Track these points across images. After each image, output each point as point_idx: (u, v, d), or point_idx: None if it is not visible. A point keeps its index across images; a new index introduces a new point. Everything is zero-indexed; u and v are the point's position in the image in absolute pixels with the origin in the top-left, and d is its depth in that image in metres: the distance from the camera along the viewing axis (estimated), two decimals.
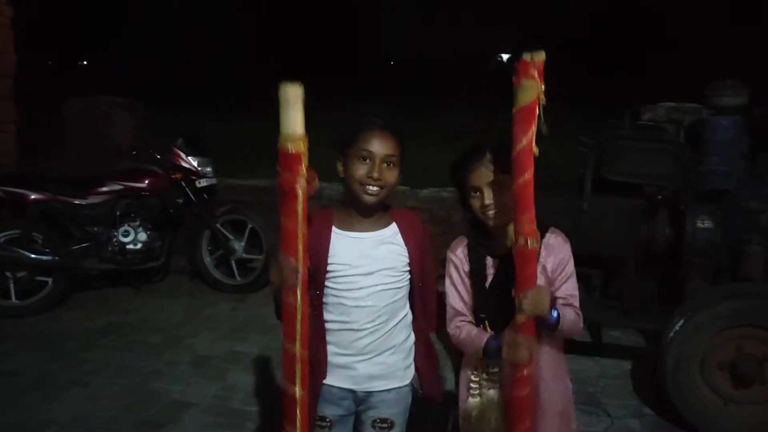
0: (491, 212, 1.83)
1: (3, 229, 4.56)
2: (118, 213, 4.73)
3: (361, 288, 1.88)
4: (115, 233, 4.71)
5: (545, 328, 1.76)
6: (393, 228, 1.93)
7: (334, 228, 1.91)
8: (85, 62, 27.86)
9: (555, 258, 1.86)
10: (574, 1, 26.40)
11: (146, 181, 4.81)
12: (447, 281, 1.94)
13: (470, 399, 1.91)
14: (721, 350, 3.16)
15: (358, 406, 1.97)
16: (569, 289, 1.86)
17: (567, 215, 3.47)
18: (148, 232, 4.78)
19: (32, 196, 4.57)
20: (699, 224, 3.37)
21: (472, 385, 1.91)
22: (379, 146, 1.82)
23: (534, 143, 1.59)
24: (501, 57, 36.30)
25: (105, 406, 3.37)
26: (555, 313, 1.76)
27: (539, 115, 1.59)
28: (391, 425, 1.95)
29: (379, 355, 1.92)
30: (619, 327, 4.17)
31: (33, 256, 4.50)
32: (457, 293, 1.92)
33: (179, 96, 11.25)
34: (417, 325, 1.99)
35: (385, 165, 1.83)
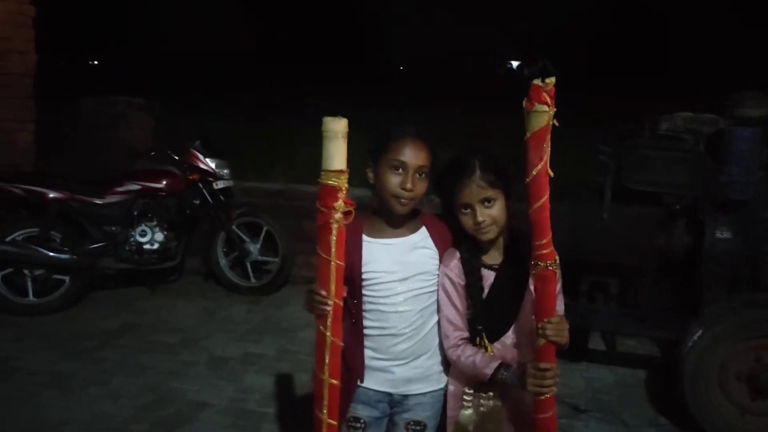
0: (485, 229, 1.82)
1: (22, 227, 4.60)
2: (135, 213, 4.76)
3: (397, 294, 1.89)
4: (132, 233, 4.74)
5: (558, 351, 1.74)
6: (423, 232, 1.93)
7: (364, 236, 1.91)
8: (96, 62, 28.00)
9: None
10: (588, 6, 26.37)
11: (164, 182, 4.84)
12: (442, 296, 1.91)
13: (464, 411, 1.91)
14: (740, 361, 3.16)
15: (392, 408, 1.98)
16: (561, 307, 1.83)
17: (586, 223, 3.49)
18: (165, 233, 4.81)
19: (51, 195, 4.61)
20: (718, 234, 3.37)
21: (465, 397, 1.91)
22: (412, 156, 1.82)
23: (548, 167, 1.60)
24: (510, 64, 36.31)
25: (122, 405, 3.39)
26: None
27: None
28: (424, 428, 1.96)
29: (416, 359, 1.93)
30: (635, 336, 4.16)
31: (51, 254, 4.54)
32: (453, 308, 1.90)
33: (193, 97, 11.30)
34: None
35: (418, 176, 1.83)
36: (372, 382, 1.95)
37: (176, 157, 4.96)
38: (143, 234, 4.75)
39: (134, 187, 4.78)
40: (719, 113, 4.18)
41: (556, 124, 1.60)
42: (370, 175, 1.90)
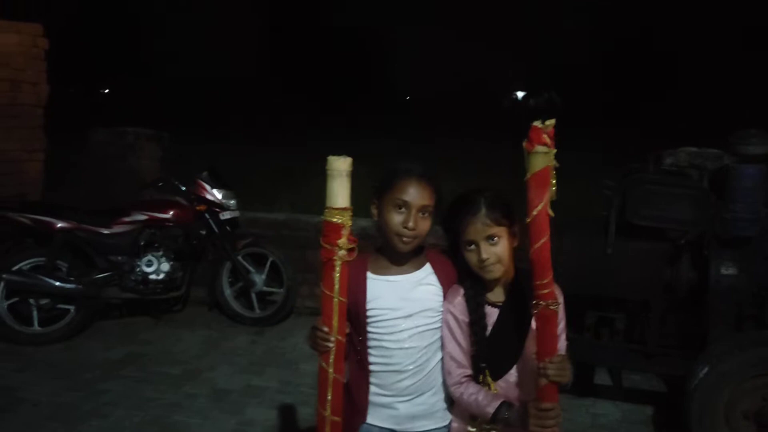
0: (489, 267, 1.82)
1: (28, 256, 4.63)
2: (141, 243, 4.79)
3: (402, 330, 1.89)
4: (138, 263, 4.76)
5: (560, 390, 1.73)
6: (428, 269, 1.94)
7: (369, 273, 1.92)
8: (107, 90, 28.37)
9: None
10: (591, 40, 26.65)
11: (171, 212, 4.87)
12: (445, 333, 1.91)
13: None
14: (747, 399, 3.13)
15: None
16: (563, 345, 1.82)
17: (591, 258, 3.49)
18: (171, 263, 4.83)
19: (58, 225, 4.64)
20: (723, 270, 3.36)
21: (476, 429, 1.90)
22: (415, 196, 1.83)
23: (549, 207, 1.62)
24: (515, 95, 36.59)
25: None
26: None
27: (552, 179, 1.63)
28: None
29: (420, 395, 1.93)
30: (642, 371, 4.13)
31: (57, 283, 4.56)
32: (456, 344, 1.89)
33: (201, 128, 11.43)
34: None
35: (421, 215, 1.85)
36: (376, 418, 1.95)
37: (183, 188, 5.00)
38: (149, 264, 4.77)
39: (141, 217, 4.81)
40: (723, 147, 4.21)
41: (556, 165, 1.62)
42: (374, 211, 1.92)
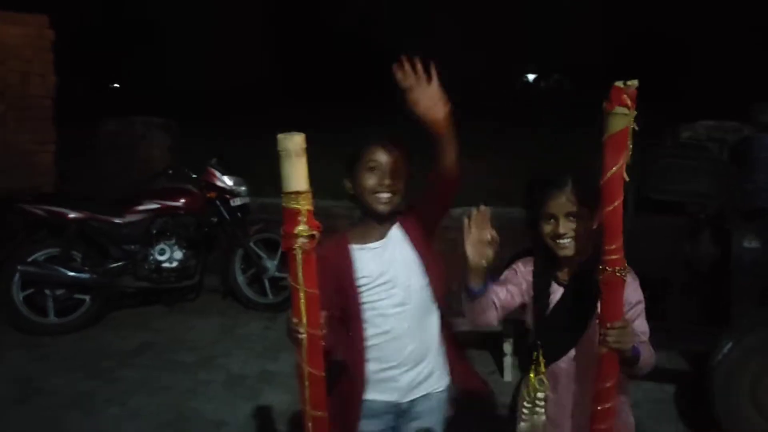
0: (564, 242, 1.80)
1: (42, 247, 4.64)
2: (154, 231, 4.78)
3: (393, 294, 1.91)
4: (152, 251, 4.76)
5: (624, 364, 1.69)
6: (397, 227, 1.96)
7: (351, 246, 1.94)
8: (117, 84, 28.46)
9: (627, 295, 1.78)
10: (603, 16, 26.29)
11: (182, 200, 4.86)
12: (501, 279, 1.91)
13: (521, 423, 1.88)
14: None
15: (399, 419, 1.98)
16: (641, 326, 1.80)
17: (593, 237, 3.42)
18: (184, 251, 4.82)
19: (71, 215, 4.64)
20: (745, 243, 3.28)
21: (524, 410, 1.87)
22: (384, 156, 1.89)
23: (624, 171, 1.57)
24: (526, 77, 36.25)
25: (142, 425, 3.38)
26: (636, 350, 1.69)
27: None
28: None
29: (421, 362, 1.95)
30: (662, 349, 4.06)
31: (72, 274, 4.56)
32: (503, 288, 1.88)
33: (210, 115, 11.42)
34: (443, 322, 2.00)
35: (391, 175, 1.89)
36: (378, 393, 1.94)
37: (194, 176, 4.98)
38: (162, 252, 4.77)
39: (153, 206, 4.80)
40: (741, 120, 4.11)
41: (636, 128, 1.56)
42: (349, 186, 1.95)
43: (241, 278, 5.13)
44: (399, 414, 1.97)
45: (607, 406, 1.66)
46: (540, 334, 1.85)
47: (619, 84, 1.54)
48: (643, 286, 3.64)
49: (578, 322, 1.83)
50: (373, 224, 1.95)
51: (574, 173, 1.83)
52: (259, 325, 4.82)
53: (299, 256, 1.61)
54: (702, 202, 3.38)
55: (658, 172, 3.37)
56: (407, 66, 1.73)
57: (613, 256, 1.59)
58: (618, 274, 1.60)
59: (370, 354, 1.92)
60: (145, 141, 6.02)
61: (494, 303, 1.85)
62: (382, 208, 1.90)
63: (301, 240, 1.59)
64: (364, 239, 1.95)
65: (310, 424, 1.72)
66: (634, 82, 1.54)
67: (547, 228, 1.82)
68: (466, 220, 1.70)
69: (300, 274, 1.62)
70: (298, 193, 1.58)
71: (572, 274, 1.86)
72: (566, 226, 1.79)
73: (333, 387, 1.89)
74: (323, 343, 1.72)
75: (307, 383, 1.70)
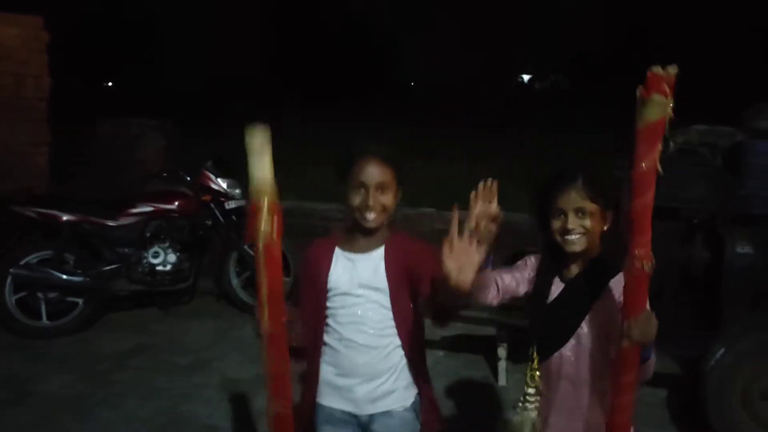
0: (572, 237, 1.80)
1: (35, 250, 4.62)
2: (148, 234, 4.77)
3: (354, 305, 1.93)
4: (145, 254, 4.74)
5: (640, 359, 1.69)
6: (381, 251, 1.95)
7: (337, 249, 1.98)
8: (111, 83, 28.39)
9: None
10: (596, 22, 26.39)
11: (176, 203, 4.84)
12: (514, 265, 1.92)
13: (514, 417, 1.90)
14: (764, 379, 3.09)
15: None
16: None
17: (606, 239, 3.43)
18: (178, 254, 4.80)
19: (64, 218, 4.63)
20: (738, 249, 3.30)
21: (518, 405, 1.90)
22: (370, 175, 1.88)
23: (658, 163, 1.52)
24: (522, 78, 36.36)
25: (136, 428, 3.37)
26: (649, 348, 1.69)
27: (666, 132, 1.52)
28: None
29: (377, 378, 1.94)
30: (655, 353, 4.08)
31: (64, 277, 4.55)
32: (509, 274, 1.90)
33: (205, 117, 11.40)
34: (405, 346, 1.97)
35: (380, 192, 1.89)
36: (338, 402, 1.96)
37: (188, 178, 4.97)
38: (156, 255, 4.75)
39: (147, 208, 4.79)
40: (734, 124, 4.12)
41: (673, 117, 1.50)
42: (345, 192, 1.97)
43: (235, 281, 5.12)
44: (361, 426, 1.97)
45: (626, 399, 1.66)
46: (535, 329, 1.87)
47: (658, 70, 1.48)
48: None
49: (572, 320, 1.83)
50: (360, 235, 1.96)
51: (585, 169, 1.82)
52: (254, 328, 4.80)
53: (261, 251, 1.62)
54: (695, 207, 3.40)
55: None
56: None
57: (642, 250, 1.56)
58: (644, 267, 1.58)
59: (325, 358, 1.96)
60: (141, 142, 6.01)
61: (496, 283, 1.87)
62: (367, 225, 1.91)
63: (261, 235, 1.61)
64: (348, 246, 1.97)
65: (272, 420, 1.73)
66: (674, 68, 1.48)
67: (556, 223, 1.81)
68: (473, 194, 1.70)
69: (262, 269, 1.64)
70: (261, 187, 1.61)
71: (576, 272, 1.86)
72: (575, 222, 1.79)
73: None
74: (295, 341, 1.78)
75: (270, 379, 1.71)
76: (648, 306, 1.77)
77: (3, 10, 5.51)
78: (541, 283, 1.87)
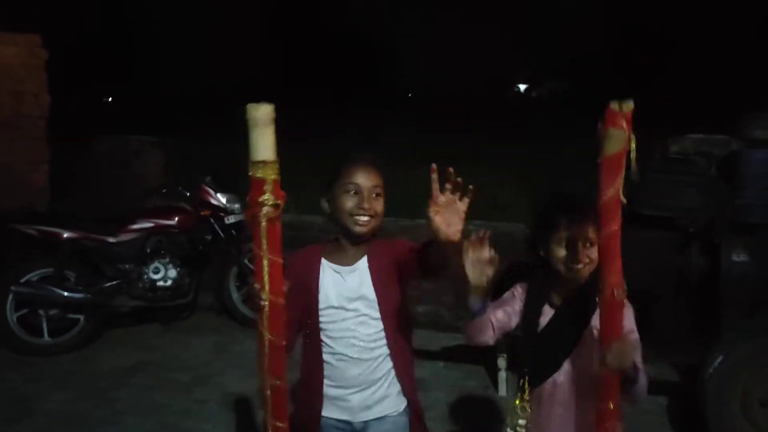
0: (579, 267, 1.81)
1: (36, 267, 4.63)
2: (148, 250, 4.79)
3: (344, 319, 1.93)
4: (146, 270, 4.76)
5: (625, 383, 1.71)
6: (365, 260, 1.96)
7: (323, 260, 1.98)
8: (110, 98, 28.46)
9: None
10: (592, 31, 26.52)
11: (176, 219, 4.86)
12: (502, 299, 1.94)
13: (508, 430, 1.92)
14: (763, 386, 3.10)
15: None
16: (637, 354, 1.80)
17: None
18: (178, 269, 4.82)
19: (65, 235, 4.64)
20: (734, 257, 3.32)
21: (512, 413, 1.91)
22: (365, 178, 1.90)
23: (621, 193, 1.57)
24: (518, 87, 36.48)
25: None
26: (635, 368, 1.71)
27: (630, 163, 1.58)
28: None
29: (370, 387, 1.95)
30: (654, 361, 4.09)
31: (65, 293, 4.56)
32: (500, 309, 1.91)
33: (204, 130, 11.44)
34: (395, 355, 1.98)
35: (374, 196, 1.91)
36: (331, 411, 1.98)
37: (187, 193, 5.00)
38: (156, 271, 4.77)
39: (147, 224, 4.81)
40: (730, 133, 4.16)
41: (633, 150, 1.56)
42: (325, 205, 1.98)
43: (235, 296, 5.13)
44: None
45: (610, 425, 1.69)
46: (527, 355, 1.88)
47: (614, 105, 1.53)
48: (634, 300, 3.69)
49: (565, 345, 1.85)
50: (346, 247, 1.97)
51: (592, 199, 1.83)
52: (254, 342, 4.76)
53: (264, 224, 1.63)
54: (691, 216, 3.42)
55: (646, 187, 3.41)
56: (446, 179, 1.64)
57: (612, 278, 1.61)
58: (616, 296, 1.61)
59: (325, 371, 1.97)
60: (140, 159, 6.04)
61: (491, 323, 1.87)
62: (359, 230, 1.91)
63: (266, 208, 1.62)
64: (334, 259, 1.97)
65: (268, 392, 1.74)
66: (630, 104, 1.53)
67: (561, 252, 1.82)
68: (465, 243, 1.72)
69: (264, 241, 1.65)
70: (264, 162, 1.61)
71: (566, 298, 1.88)
72: (585, 253, 1.80)
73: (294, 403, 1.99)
74: (286, 343, 1.79)
75: (268, 352, 1.71)
76: (633, 329, 1.81)
77: (1, 30, 5.55)
78: (530, 312, 1.88)
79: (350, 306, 1.93)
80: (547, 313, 1.89)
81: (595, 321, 1.82)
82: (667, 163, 3.65)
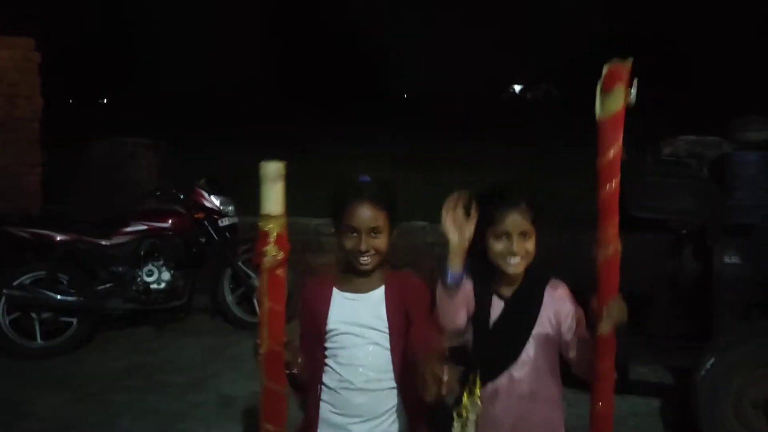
0: (515, 260, 1.81)
1: (29, 270, 4.61)
2: (142, 253, 4.78)
3: (354, 345, 1.90)
4: (139, 273, 4.75)
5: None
6: (381, 291, 1.93)
7: (334, 288, 1.96)
8: (105, 100, 28.41)
9: (566, 308, 1.87)
10: (586, 34, 26.62)
11: (170, 221, 4.86)
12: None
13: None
14: (755, 388, 3.11)
15: None
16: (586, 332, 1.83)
17: (593, 252, 3.47)
18: (172, 272, 4.81)
19: (58, 238, 4.63)
20: (727, 259, 3.34)
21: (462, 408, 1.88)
22: (362, 220, 1.87)
23: (622, 150, 1.59)
24: (513, 88, 36.57)
25: None
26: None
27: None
28: None
29: (374, 419, 1.92)
30: (648, 364, 4.11)
31: (58, 297, 4.54)
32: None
33: (199, 133, 11.44)
34: (402, 390, 1.94)
35: (373, 235, 1.88)
36: None
37: (182, 196, 4.99)
38: (150, 274, 4.76)
39: (141, 227, 4.80)
40: (721, 135, 4.19)
41: (632, 104, 1.58)
42: (332, 230, 1.97)
43: (230, 298, 5.13)
44: None
45: (607, 385, 1.71)
46: (480, 350, 1.86)
47: (617, 62, 1.57)
48: (627, 302, 3.71)
49: (519, 337, 1.85)
50: (357, 274, 1.94)
51: (528, 191, 1.85)
52: (248, 344, 4.77)
53: (266, 273, 1.70)
54: (683, 218, 3.43)
55: (639, 190, 3.43)
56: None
57: (610, 235, 1.62)
58: (614, 252, 1.62)
59: (324, 396, 1.95)
60: (134, 161, 6.04)
61: (463, 302, 1.82)
62: (362, 268, 1.89)
63: (267, 259, 1.69)
64: (346, 286, 1.95)
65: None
66: (629, 61, 1.57)
67: (498, 245, 1.82)
68: (445, 206, 1.71)
69: (265, 290, 1.71)
70: (270, 216, 1.69)
71: (514, 289, 1.88)
72: (520, 246, 1.80)
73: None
74: (297, 372, 1.82)
75: (265, 399, 1.74)
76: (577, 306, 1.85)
77: None
78: (480, 303, 1.86)
79: (361, 332, 1.91)
80: (497, 305, 1.87)
81: (546, 312, 1.85)
82: (659, 166, 3.67)
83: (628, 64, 1.57)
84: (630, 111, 1.60)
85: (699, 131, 5.00)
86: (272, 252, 1.68)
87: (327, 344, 1.93)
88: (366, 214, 1.87)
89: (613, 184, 1.60)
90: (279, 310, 1.72)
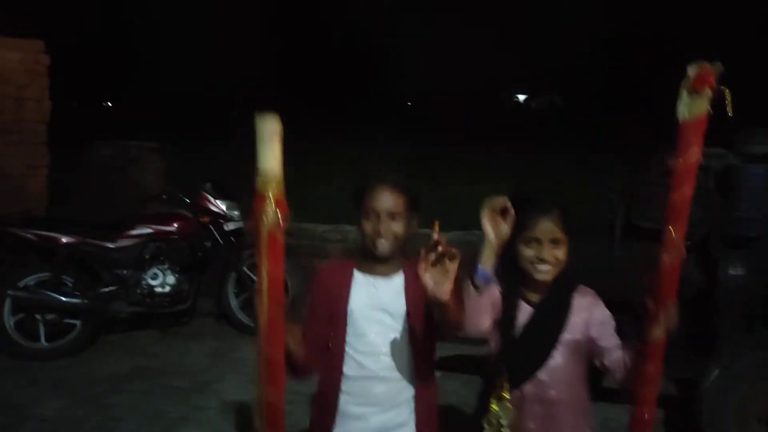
0: (545, 267, 1.83)
1: (33, 271, 4.63)
2: (147, 256, 4.79)
3: (375, 333, 1.92)
4: (144, 276, 4.77)
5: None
6: (400, 276, 1.96)
7: (355, 271, 1.97)
8: (109, 103, 28.48)
9: (598, 314, 1.89)
10: (592, 42, 26.64)
11: (175, 225, 4.88)
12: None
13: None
14: (759, 401, 3.11)
15: None
16: (617, 339, 1.88)
17: (597, 261, 3.47)
18: (176, 275, 4.83)
19: (63, 240, 4.65)
20: (731, 271, 3.34)
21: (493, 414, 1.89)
22: (382, 203, 1.89)
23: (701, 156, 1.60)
24: (517, 97, 36.60)
25: None
26: None
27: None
28: None
29: (393, 408, 1.93)
30: None
31: (63, 298, 4.56)
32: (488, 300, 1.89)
33: (202, 137, 11.46)
34: (418, 382, 1.96)
35: (391, 220, 1.90)
36: (346, 430, 1.96)
37: (187, 200, 5.01)
38: (155, 277, 4.78)
39: (146, 230, 4.82)
40: (726, 147, 4.19)
41: (729, 102, 1.58)
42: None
43: (234, 302, 5.14)
44: None
45: (651, 390, 1.75)
46: (506, 356, 1.87)
47: (701, 66, 1.56)
48: (632, 312, 3.70)
49: (547, 342, 1.86)
50: (376, 259, 1.95)
51: (558, 198, 1.88)
52: (253, 349, 4.78)
53: (264, 237, 1.63)
54: (688, 229, 3.43)
55: (644, 200, 3.44)
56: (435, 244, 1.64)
57: (678, 237, 1.63)
58: (679, 257, 1.65)
59: (344, 387, 1.95)
60: (139, 165, 6.06)
61: (489, 306, 1.84)
62: (378, 252, 1.91)
63: (266, 223, 1.61)
64: (367, 269, 1.97)
65: (264, 410, 1.69)
66: (719, 65, 1.57)
67: (528, 252, 1.84)
68: (485, 204, 1.74)
69: (264, 254, 1.63)
70: (267, 175, 1.61)
71: (542, 294, 1.89)
72: (550, 253, 1.83)
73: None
74: (302, 357, 1.81)
75: (264, 367, 1.68)
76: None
77: (4, 35, 5.57)
78: (508, 308, 1.88)
79: (381, 317, 1.92)
80: (524, 310, 1.89)
81: (575, 318, 1.86)
82: (664, 176, 3.67)
83: (717, 67, 1.57)
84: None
85: (704, 142, 5.01)
86: (271, 215, 1.61)
87: (348, 329, 1.93)
88: (386, 197, 1.89)
89: (686, 190, 1.60)
90: (278, 276, 1.64)
